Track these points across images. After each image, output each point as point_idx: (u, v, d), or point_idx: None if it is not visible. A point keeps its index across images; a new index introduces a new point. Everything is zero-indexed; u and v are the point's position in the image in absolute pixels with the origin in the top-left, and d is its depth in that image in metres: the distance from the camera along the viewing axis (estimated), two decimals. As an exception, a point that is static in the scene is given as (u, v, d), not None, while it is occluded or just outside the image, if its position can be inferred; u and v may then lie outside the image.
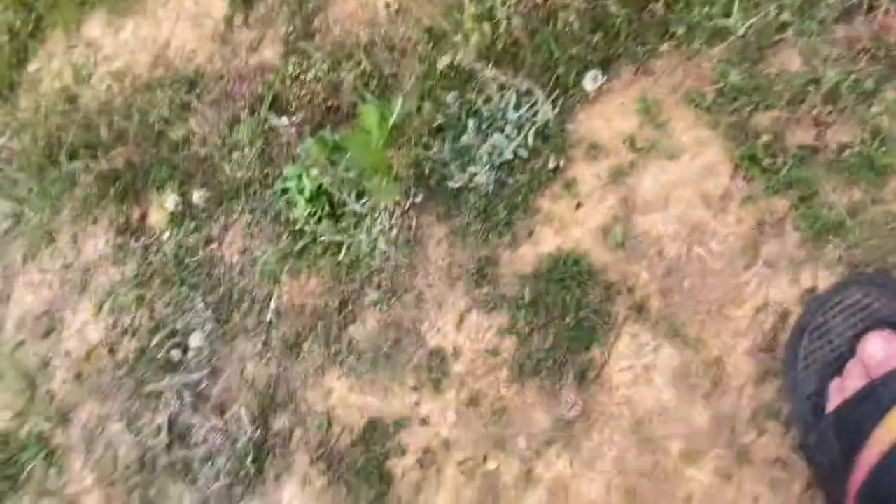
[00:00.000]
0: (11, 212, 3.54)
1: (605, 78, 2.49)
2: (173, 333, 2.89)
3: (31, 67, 4.08)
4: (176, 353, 2.85)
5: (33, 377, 3.18)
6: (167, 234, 3.07)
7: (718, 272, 2.17)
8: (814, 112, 2.20)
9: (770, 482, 2.00)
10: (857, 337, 1.79)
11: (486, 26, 2.78)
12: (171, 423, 2.78)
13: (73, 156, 3.47)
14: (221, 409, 2.75)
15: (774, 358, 2.07)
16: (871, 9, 2.11)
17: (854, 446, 1.59)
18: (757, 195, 2.18)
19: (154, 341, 2.90)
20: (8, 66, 4.05)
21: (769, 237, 2.14)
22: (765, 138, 2.20)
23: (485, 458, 2.32)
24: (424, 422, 2.43)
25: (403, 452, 2.44)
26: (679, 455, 2.09)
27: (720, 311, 2.14)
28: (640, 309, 2.23)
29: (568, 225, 2.42)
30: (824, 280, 2.04)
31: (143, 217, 3.22)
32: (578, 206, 2.43)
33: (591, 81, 2.49)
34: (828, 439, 1.70)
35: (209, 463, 2.67)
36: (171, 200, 3.04)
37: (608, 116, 2.48)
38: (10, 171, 3.56)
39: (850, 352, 1.81)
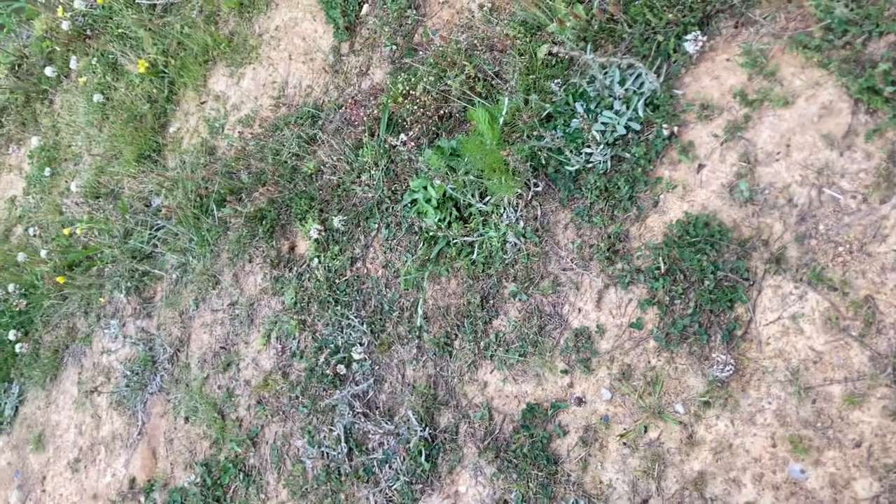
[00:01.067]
0: (178, 262, 3.91)
1: (706, 37, 2.48)
2: (336, 350, 3.12)
3: (172, 129, 4.48)
4: (341, 368, 3.08)
5: (221, 408, 3.52)
6: (315, 260, 3.30)
7: (854, 211, 2.12)
8: (933, 29, 2.12)
9: (945, 415, 1.96)
10: None
11: (580, 8, 2.83)
12: (348, 433, 3.00)
13: (220, 203, 3.80)
14: (390, 414, 2.95)
15: (929, 288, 2.02)
16: None
17: None
18: (883, 126, 2.11)
19: (320, 360, 3.14)
20: (153, 131, 4.46)
21: (904, 166, 2.08)
22: (883, 66, 2.13)
23: (645, 429, 2.37)
24: (580, 401, 2.51)
25: (565, 433, 2.53)
26: (842, 400, 2.07)
27: (862, 249, 2.09)
28: (777, 260, 2.22)
29: (692, 189, 2.43)
30: (971, 201, 1.98)
31: (292, 248, 3.48)
32: (700, 168, 2.43)
33: (692, 43, 2.48)
34: None
35: (387, 465, 2.87)
36: (313, 229, 3.27)
37: (715, 74, 2.47)
38: (171, 226, 3.94)
39: None
